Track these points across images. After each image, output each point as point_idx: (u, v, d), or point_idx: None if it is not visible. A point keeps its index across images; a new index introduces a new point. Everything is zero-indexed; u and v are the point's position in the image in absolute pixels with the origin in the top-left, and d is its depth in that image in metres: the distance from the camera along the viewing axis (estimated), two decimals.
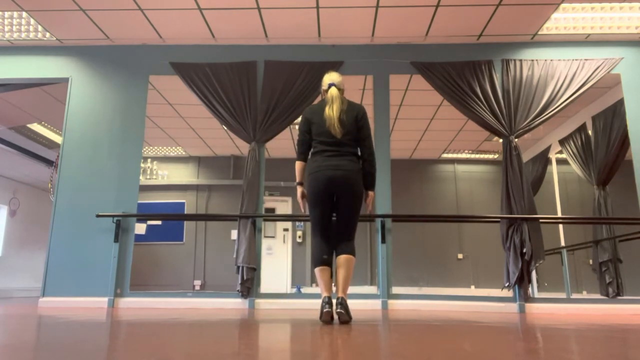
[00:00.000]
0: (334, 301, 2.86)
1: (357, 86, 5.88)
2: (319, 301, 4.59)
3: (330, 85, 3.10)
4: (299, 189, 3.16)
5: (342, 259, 2.93)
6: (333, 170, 2.94)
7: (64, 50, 5.28)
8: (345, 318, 2.77)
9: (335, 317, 2.90)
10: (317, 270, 2.97)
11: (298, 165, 3.13)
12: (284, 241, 8.76)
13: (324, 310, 2.77)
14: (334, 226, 3.07)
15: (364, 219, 8.12)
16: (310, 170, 3.03)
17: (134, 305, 4.61)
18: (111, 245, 4.73)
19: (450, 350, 1.57)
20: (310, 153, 3.12)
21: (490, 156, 8.64)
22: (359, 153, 3.08)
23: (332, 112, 2.98)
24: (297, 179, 3.15)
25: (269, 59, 5.12)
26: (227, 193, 8.83)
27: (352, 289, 7.01)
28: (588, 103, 5.97)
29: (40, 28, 4.96)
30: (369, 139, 3.07)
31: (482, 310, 4.45)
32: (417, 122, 7.07)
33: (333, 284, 3.00)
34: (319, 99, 6.15)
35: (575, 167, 6.25)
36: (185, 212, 8.79)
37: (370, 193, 3.13)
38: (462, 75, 4.97)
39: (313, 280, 8.49)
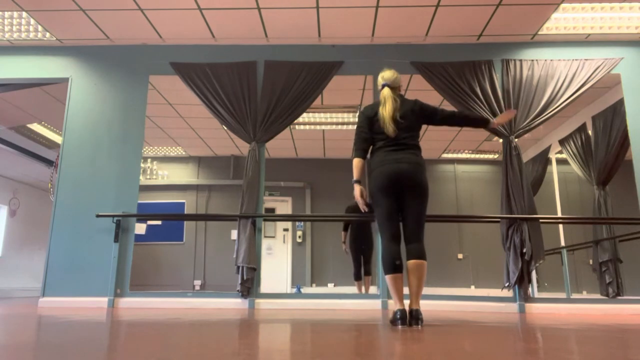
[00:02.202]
0: (407, 312, 2.71)
1: (357, 86, 5.88)
2: (319, 301, 4.59)
3: (383, 86, 3.04)
4: (357, 188, 2.99)
5: (412, 265, 2.78)
6: (398, 164, 2.85)
7: (64, 50, 5.28)
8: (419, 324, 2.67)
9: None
10: (388, 278, 2.80)
11: (356, 162, 2.99)
12: (284, 241, 8.76)
13: (397, 325, 2.63)
14: (402, 226, 2.93)
15: (365, 219, 8.13)
16: (374, 165, 2.93)
17: (134, 305, 4.61)
18: (111, 245, 4.73)
19: (450, 350, 1.57)
20: (371, 150, 3.03)
21: (490, 156, 8.63)
22: (420, 146, 3.04)
23: (385, 112, 2.93)
24: (355, 177, 3.00)
25: (269, 59, 5.12)
26: (227, 193, 8.83)
27: (352, 289, 7.01)
28: (588, 103, 5.97)
29: (40, 28, 4.96)
30: (440, 111, 3.06)
31: (482, 310, 4.45)
32: None
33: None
34: (318, 99, 6.16)
35: (575, 167, 6.25)
36: (185, 212, 8.79)
37: (499, 118, 3.23)
38: (462, 75, 4.97)
39: (313, 280, 8.50)
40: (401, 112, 2.97)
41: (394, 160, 2.87)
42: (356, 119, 6.93)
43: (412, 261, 2.79)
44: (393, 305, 2.79)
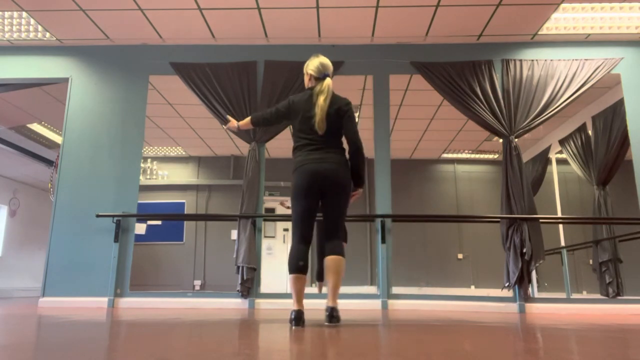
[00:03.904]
0: (323, 311, 2.67)
1: (357, 86, 5.88)
2: (320, 301, 4.58)
3: (325, 76, 2.90)
4: (231, 124, 3.23)
5: (330, 261, 2.73)
6: (319, 164, 2.77)
7: (64, 50, 5.28)
8: (337, 323, 2.64)
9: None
10: (290, 277, 2.73)
11: (247, 120, 3.14)
12: (284, 241, 8.76)
13: (292, 326, 2.55)
14: (323, 224, 2.87)
15: (365, 219, 8.13)
16: (296, 164, 2.84)
17: (134, 305, 4.61)
18: (111, 245, 4.73)
19: (450, 350, 1.57)
20: (292, 148, 2.95)
21: (490, 156, 8.64)
22: (345, 146, 2.91)
23: (319, 109, 2.79)
24: (236, 123, 3.22)
25: (269, 59, 5.12)
26: (227, 193, 8.83)
27: (352, 289, 7.01)
28: (588, 103, 5.97)
29: (40, 28, 4.96)
30: (355, 132, 2.86)
31: (482, 310, 4.45)
32: (417, 122, 7.07)
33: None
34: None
35: (575, 167, 6.25)
36: (185, 212, 8.79)
37: (359, 189, 2.93)
38: (462, 75, 4.97)
39: (312, 281, 8.49)
40: (332, 109, 2.84)
41: (316, 160, 2.79)
42: (356, 119, 6.93)
43: (329, 257, 2.74)
44: (292, 305, 2.73)
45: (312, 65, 2.95)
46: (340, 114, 2.86)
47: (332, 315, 2.62)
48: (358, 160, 2.88)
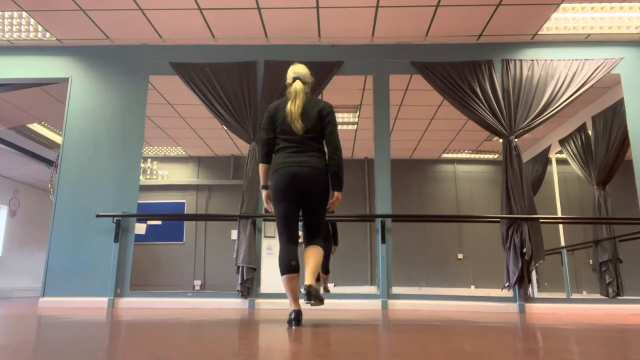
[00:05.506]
0: (302, 290, 2.69)
1: (357, 86, 5.88)
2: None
3: (294, 79, 2.90)
4: (264, 193, 2.95)
5: (309, 249, 2.83)
6: (298, 167, 2.78)
7: (64, 50, 5.28)
8: (319, 303, 2.69)
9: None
10: (284, 278, 2.76)
11: (261, 167, 2.93)
12: None
13: (292, 326, 2.59)
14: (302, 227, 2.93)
15: (365, 219, 8.13)
16: (274, 167, 2.85)
17: (134, 305, 4.61)
18: (111, 245, 4.73)
19: (450, 350, 1.57)
20: (274, 150, 2.94)
21: (490, 156, 8.63)
22: (325, 150, 2.91)
23: (294, 107, 2.82)
24: (262, 182, 2.94)
25: (269, 59, 5.12)
26: (227, 193, 8.83)
27: (352, 289, 7.00)
28: (588, 103, 5.97)
29: (40, 28, 4.96)
30: (335, 136, 2.87)
31: (482, 310, 4.45)
32: (417, 122, 7.06)
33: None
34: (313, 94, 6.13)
35: (575, 167, 6.25)
36: (185, 212, 8.79)
37: (336, 194, 2.91)
38: (462, 75, 4.97)
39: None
40: (309, 111, 2.86)
41: (294, 163, 2.79)
42: (356, 119, 6.93)
43: (308, 248, 2.85)
44: (289, 305, 2.77)
45: (287, 74, 3.00)
46: (322, 115, 2.88)
47: (310, 292, 2.64)
48: (337, 163, 2.87)
